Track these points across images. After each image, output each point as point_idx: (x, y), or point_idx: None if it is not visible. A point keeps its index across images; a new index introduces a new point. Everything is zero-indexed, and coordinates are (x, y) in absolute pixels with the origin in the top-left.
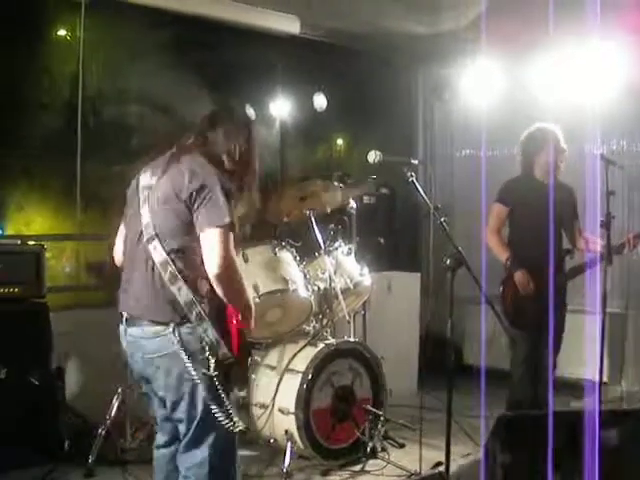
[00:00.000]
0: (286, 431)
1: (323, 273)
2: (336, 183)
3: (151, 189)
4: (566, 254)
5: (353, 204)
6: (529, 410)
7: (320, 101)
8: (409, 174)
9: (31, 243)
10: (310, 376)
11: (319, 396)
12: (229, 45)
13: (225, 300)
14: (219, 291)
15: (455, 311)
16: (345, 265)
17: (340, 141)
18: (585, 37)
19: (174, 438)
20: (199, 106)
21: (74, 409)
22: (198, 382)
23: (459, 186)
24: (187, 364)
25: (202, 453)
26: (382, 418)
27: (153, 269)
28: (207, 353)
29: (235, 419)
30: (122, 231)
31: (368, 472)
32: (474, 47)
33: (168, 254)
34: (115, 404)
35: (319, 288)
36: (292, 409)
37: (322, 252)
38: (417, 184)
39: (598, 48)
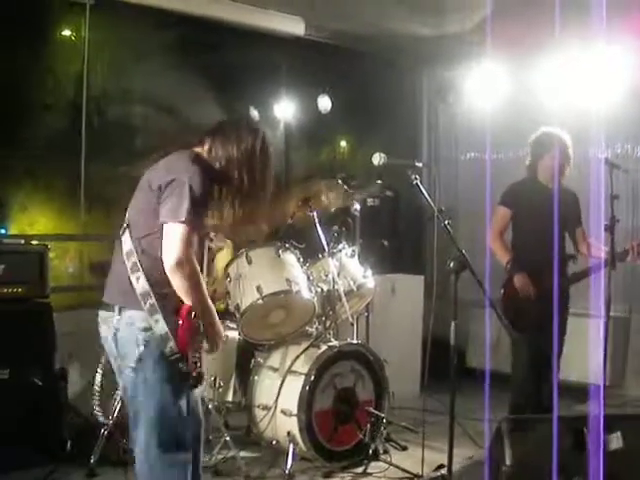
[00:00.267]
0: (288, 433)
1: (326, 275)
2: (340, 183)
3: None
4: (569, 259)
5: (357, 206)
6: (531, 413)
7: (324, 103)
8: (413, 177)
9: (35, 243)
10: (313, 378)
11: (321, 398)
12: (233, 46)
13: (180, 295)
14: (173, 284)
15: (459, 314)
16: (348, 267)
17: (344, 143)
18: (590, 41)
19: None
20: (203, 107)
21: (77, 409)
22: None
23: (463, 189)
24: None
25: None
26: (384, 420)
27: (123, 260)
28: (144, 346)
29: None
30: None
31: (370, 474)
32: (479, 50)
33: (133, 244)
34: (118, 404)
35: (322, 290)
36: (294, 411)
37: (326, 254)
38: (421, 187)
39: (603, 52)
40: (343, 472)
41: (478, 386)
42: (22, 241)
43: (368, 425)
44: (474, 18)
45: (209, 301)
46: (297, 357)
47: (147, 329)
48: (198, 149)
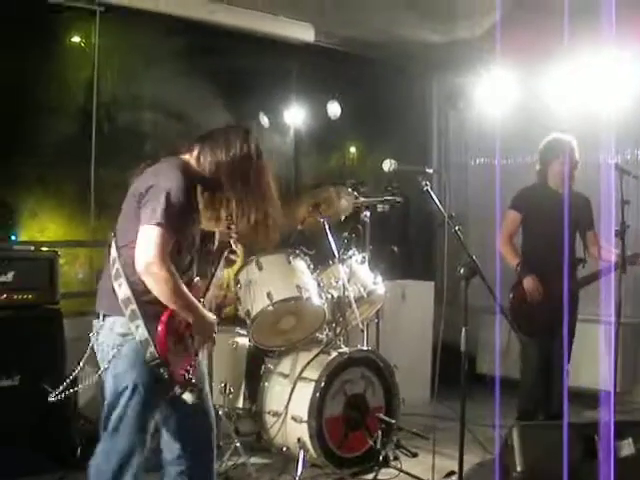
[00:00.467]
0: (299, 439)
1: (337, 281)
2: (350, 190)
3: None
4: (578, 263)
5: (367, 212)
6: (541, 419)
7: (334, 109)
8: (424, 183)
9: (45, 249)
10: (323, 384)
11: (332, 404)
12: (243, 52)
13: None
14: (148, 286)
15: (469, 320)
16: (359, 273)
17: (354, 149)
18: (600, 47)
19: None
20: (213, 113)
21: (87, 416)
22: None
23: (473, 195)
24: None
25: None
26: (395, 427)
27: (109, 268)
28: (117, 349)
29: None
30: None
31: None
32: (489, 56)
33: (117, 251)
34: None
35: (332, 296)
36: (305, 417)
37: (336, 260)
38: (432, 193)
39: (613, 58)
40: (353, 479)
41: (488, 392)
42: (32, 247)
43: (378, 432)
44: (484, 25)
45: (191, 300)
46: (307, 363)
47: (125, 334)
48: (186, 156)
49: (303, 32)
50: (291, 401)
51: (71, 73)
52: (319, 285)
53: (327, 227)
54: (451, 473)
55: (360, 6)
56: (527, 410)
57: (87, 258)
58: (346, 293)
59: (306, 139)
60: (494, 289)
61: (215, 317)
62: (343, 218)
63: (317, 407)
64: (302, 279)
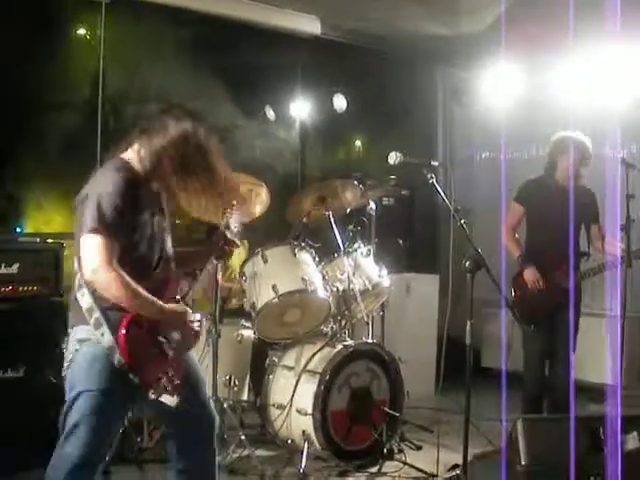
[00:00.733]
0: (303, 432)
1: (342, 274)
2: (355, 183)
3: None
4: (582, 256)
5: (372, 205)
6: (545, 402)
7: (340, 102)
8: (429, 176)
9: (50, 241)
10: (328, 377)
11: (337, 397)
12: (249, 45)
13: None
14: (102, 293)
15: (474, 313)
16: (364, 266)
17: (359, 142)
18: (605, 40)
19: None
20: (219, 106)
21: None
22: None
23: (479, 188)
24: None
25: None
26: (399, 420)
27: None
28: (72, 354)
29: None
30: None
31: (385, 474)
32: (495, 49)
33: (76, 262)
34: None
35: (338, 289)
36: (309, 410)
37: (341, 253)
38: (437, 186)
39: (618, 51)
40: (358, 471)
41: (493, 386)
42: (37, 239)
43: (383, 424)
44: (489, 18)
45: (147, 299)
46: (312, 356)
47: (82, 340)
48: (127, 154)
49: (309, 25)
50: (296, 394)
51: (77, 66)
52: (324, 278)
53: (332, 220)
54: (455, 466)
55: None
56: (531, 400)
57: None
58: (351, 286)
59: (312, 132)
60: (499, 282)
61: (185, 307)
62: (348, 211)
63: (322, 400)
64: (307, 272)
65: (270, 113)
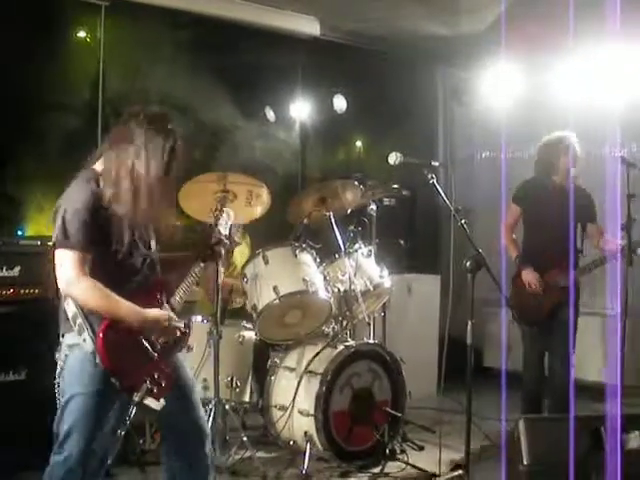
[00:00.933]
0: (305, 433)
1: (343, 275)
2: (356, 183)
3: None
4: (577, 254)
5: (373, 206)
6: (545, 398)
7: (340, 103)
8: (429, 176)
9: (51, 244)
10: (329, 378)
11: (338, 398)
12: (249, 47)
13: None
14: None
15: (475, 313)
16: (365, 267)
17: (360, 143)
18: (605, 40)
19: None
20: (219, 107)
21: None
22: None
23: (479, 188)
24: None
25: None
26: (401, 420)
27: None
28: (63, 361)
29: None
30: None
31: (387, 474)
32: (495, 49)
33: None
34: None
35: (339, 290)
36: (311, 411)
37: (342, 254)
38: (437, 186)
39: (618, 51)
40: (360, 472)
41: (495, 386)
42: (39, 242)
43: (385, 425)
44: (489, 18)
45: (122, 306)
46: (314, 357)
47: (71, 345)
48: (97, 165)
49: (309, 26)
50: (298, 395)
51: (77, 68)
52: (325, 279)
53: (333, 221)
54: (457, 466)
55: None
56: (531, 399)
57: None
58: (352, 287)
59: (312, 133)
60: (500, 282)
61: (167, 312)
62: (349, 212)
63: (324, 401)
64: (308, 273)
65: (270, 114)
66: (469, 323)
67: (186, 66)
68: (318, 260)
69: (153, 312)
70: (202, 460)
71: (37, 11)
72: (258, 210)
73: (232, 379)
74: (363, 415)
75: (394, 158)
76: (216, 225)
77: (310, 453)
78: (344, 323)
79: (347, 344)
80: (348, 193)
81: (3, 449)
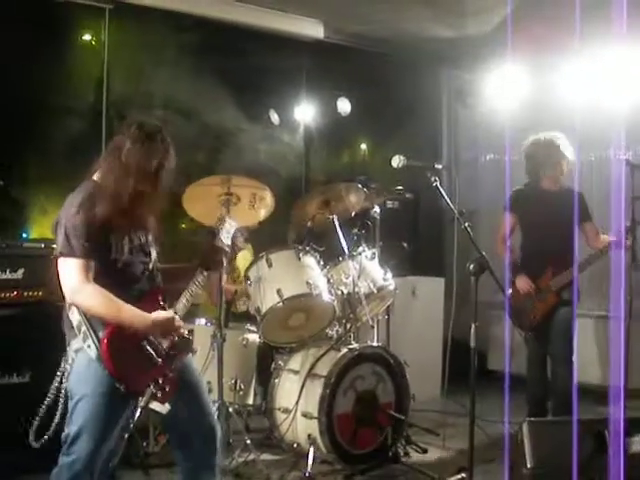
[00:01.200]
0: (309, 436)
1: (347, 278)
2: (360, 186)
3: None
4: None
5: (377, 208)
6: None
7: (344, 105)
8: (433, 179)
9: (54, 255)
10: (333, 381)
11: (342, 401)
12: (253, 49)
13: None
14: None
15: (479, 316)
16: (369, 270)
17: (364, 145)
18: (611, 42)
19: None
20: (224, 110)
21: None
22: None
23: (483, 190)
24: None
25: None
26: (405, 423)
27: None
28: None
29: None
30: None
31: (391, 477)
32: (499, 51)
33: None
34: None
35: (342, 293)
36: (315, 414)
37: (346, 257)
38: (441, 189)
39: (624, 53)
40: (364, 475)
41: (499, 388)
42: (42, 245)
43: (389, 428)
44: (495, 20)
45: (126, 312)
46: (317, 360)
47: (77, 350)
48: (96, 175)
49: (312, 29)
50: (301, 397)
51: (81, 71)
52: (329, 281)
53: (337, 223)
54: (461, 469)
55: (369, 1)
56: (535, 402)
57: None
58: (356, 289)
59: (316, 136)
60: (504, 285)
61: (170, 314)
62: (353, 214)
63: (327, 403)
64: (312, 275)
65: (274, 117)
66: (473, 326)
67: (190, 69)
68: (322, 263)
69: (156, 314)
70: (210, 459)
71: (41, 14)
72: (262, 213)
73: (236, 382)
74: (367, 418)
75: (397, 161)
76: (218, 234)
77: (314, 456)
78: (348, 326)
79: (351, 347)
80: (352, 196)
81: (7, 451)
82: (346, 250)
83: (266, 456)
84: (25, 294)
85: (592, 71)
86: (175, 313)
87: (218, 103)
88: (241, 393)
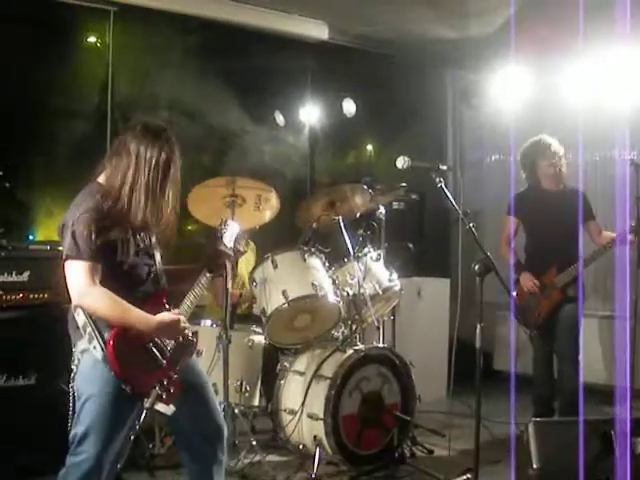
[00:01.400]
0: (315, 437)
1: (352, 279)
2: (365, 187)
3: None
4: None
5: (382, 209)
6: (556, 401)
7: (349, 107)
8: (438, 180)
9: (61, 249)
10: (339, 382)
11: (348, 402)
12: (258, 51)
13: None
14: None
15: (485, 317)
16: (374, 271)
17: (369, 147)
18: (615, 43)
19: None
20: (229, 112)
21: None
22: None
23: (488, 190)
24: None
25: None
26: (411, 424)
27: None
28: (76, 366)
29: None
30: None
31: (397, 478)
32: (504, 52)
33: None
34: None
35: (348, 294)
36: (321, 415)
37: (351, 258)
38: (446, 190)
39: (628, 54)
40: (369, 476)
41: (505, 389)
42: (48, 247)
43: (395, 429)
44: (499, 21)
45: (132, 315)
46: (323, 361)
47: (83, 350)
48: (101, 177)
49: (317, 30)
50: (307, 399)
51: (86, 73)
52: (334, 283)
53: (342, 225)
54: (467, 470)
55: (373, 3)
56: (542, 402)
57: None
58: (361, 290)
59: (321, 137)
60: (509, 285)
61: (176, 315)
62: (358, 215)
63: (333, 405)
64: (317, 277)
65: (279, 118)
66: (478, 326)
67: (195, 71)
68: (327, 264)
69: (161, 316)
70: (217, 460)
71: (47, 16)
72: (267, 214)
73: (241, 383)
74: (373, 419)
75: (402, 162)
76: (221, 237)
77: (319, 457)
78: (353, 327)
79: (356, 348)
80: (357, 197)
81: (14, 452)
82: (351, 251)
83: (272, 457)
84: (31, 296)
85: (596, 71)
86: (180, 315)
87: (223, 105)
88: (247, 394)
